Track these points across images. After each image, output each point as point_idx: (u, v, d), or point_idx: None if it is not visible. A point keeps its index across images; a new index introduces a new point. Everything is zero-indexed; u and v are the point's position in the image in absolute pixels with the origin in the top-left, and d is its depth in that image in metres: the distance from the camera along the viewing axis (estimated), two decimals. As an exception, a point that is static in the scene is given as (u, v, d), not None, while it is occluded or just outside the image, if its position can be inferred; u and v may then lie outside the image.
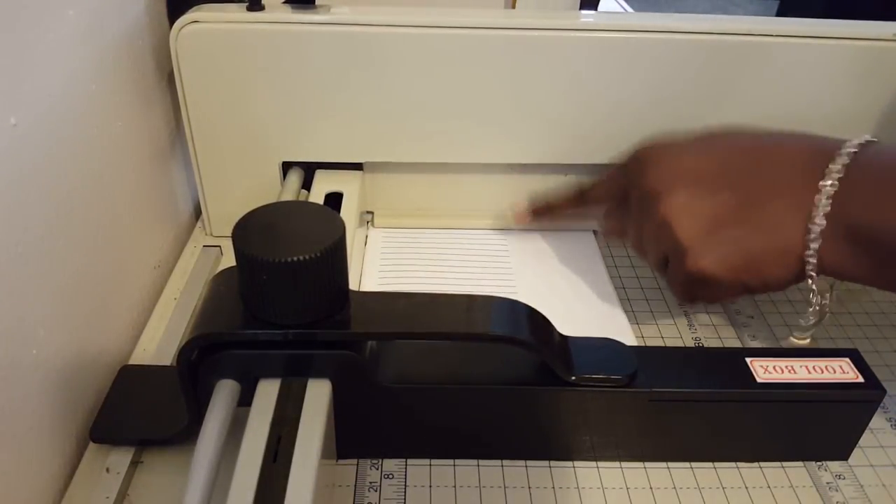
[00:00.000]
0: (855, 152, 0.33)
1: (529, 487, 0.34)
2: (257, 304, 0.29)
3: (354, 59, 0.44)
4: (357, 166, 0.49)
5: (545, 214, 0.48)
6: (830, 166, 0.32)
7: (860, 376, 0.34)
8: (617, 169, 0.41)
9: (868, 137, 0.33)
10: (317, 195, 0.47)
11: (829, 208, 0.32)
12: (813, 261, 0.33)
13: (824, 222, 0.32)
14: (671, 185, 0.36)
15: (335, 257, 0.29)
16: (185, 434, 0.32)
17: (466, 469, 0.35)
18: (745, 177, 0.35)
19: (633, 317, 0.45)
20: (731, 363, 0.35)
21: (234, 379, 0.31)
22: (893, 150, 0.33)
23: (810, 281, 0.34)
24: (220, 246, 0.49)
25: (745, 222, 0.34)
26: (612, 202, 0.42)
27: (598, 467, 0.35)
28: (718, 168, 0.36)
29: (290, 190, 0.47)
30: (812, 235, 0.33)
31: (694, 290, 0.37)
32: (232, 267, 0.30)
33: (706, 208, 0.35)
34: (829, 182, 0.32)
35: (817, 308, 0.36)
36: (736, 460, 0.36)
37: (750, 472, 0.35)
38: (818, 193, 0.32)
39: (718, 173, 0.35)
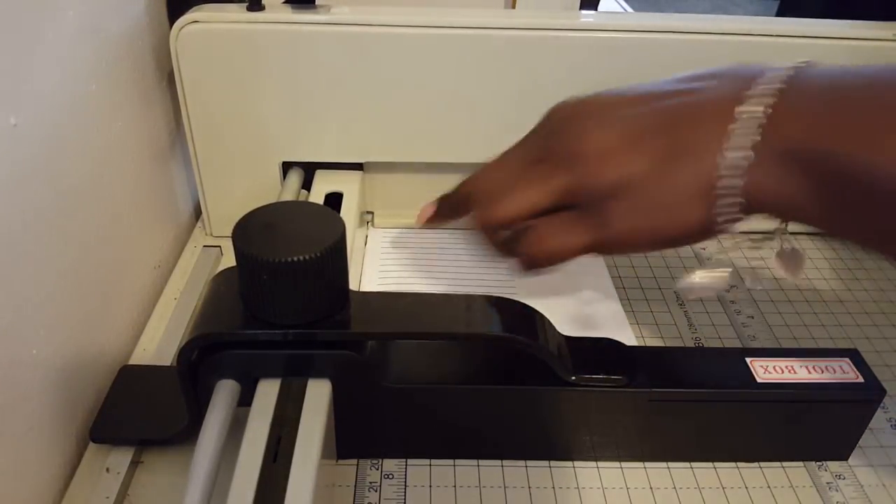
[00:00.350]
0: (791, 74, 0.29)
1: (529, 487, 0.34)
2: (257, 304, 0.29)
3: (354, 59, 0.44)
4: (357, 166, 0.49)
5: (448, 213, 0.39)
6: (752, 90, 0.29)
7: (860, 376, 0.34)
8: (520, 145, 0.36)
9: (807, 61, 0.30)
10: (317, 195, 0.47)
11: (751, 135, 0.28)
12: (725, 190, 0.29)
13: (741, 151, 0.28)
14: (584, 124, 0.32)
15: (335, 257, 0.29)
16: (185, 434, 0.32)
17: (466, 469, 0.35)
18: (665, 114, 0.31)
19: (633, 317, 0.45)
20: (731, 363, 0.35)
21: (234, 379, 0.31)
22: (836, 68, 0.29)
23: (722, 191, 0.29)
24: (220, 246, 0.49)
25: (663, 153, 0.30)
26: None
27: (598, 467, 0.35)
28: (637, 110, 0.32)
29: (290, 190, 0.47)
30: (727, 162, 0.29)
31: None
32: (232, 267, 0.30)
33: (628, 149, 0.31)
34: (752, 107, 0.28)
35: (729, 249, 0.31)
36: (736, 460, 0.36)
37: (750, 472, 0.35)
38: (735, 120, 0.29)
39: (637, 114, 0.32)
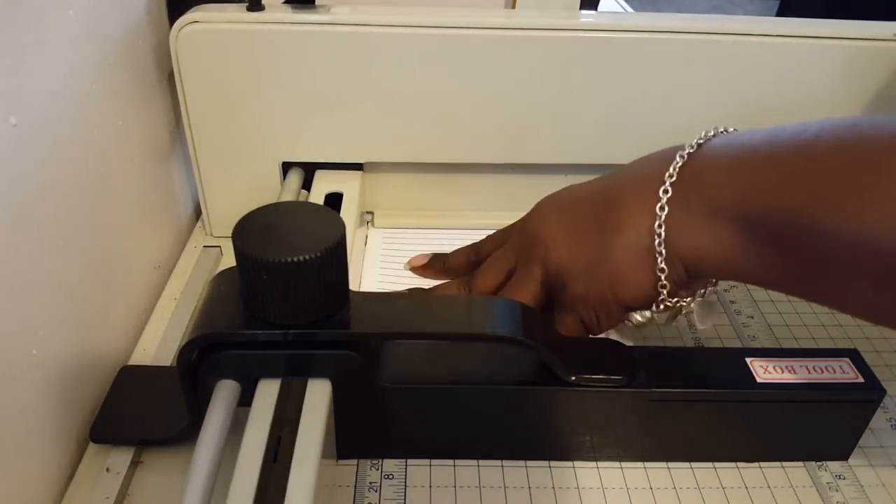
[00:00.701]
0: (701, 141, 0.33)
1: (529, 487, 0.34)
2: (257, 304, 0.29)
3: (354, 60, 0.44)
4: (357, 166, 0.49)
5: (441, 273, 0.45)
6: (672, 162, 0.33)
7: (860, 376, 0.34)
8: (505, 228, 0.42)
9: (722, 128, 0.34)
10: (317, 195, 0.47)
11: (669, 198, 0.32)
12: (661, 249, 0.32)
13: (664, 214, 0.32)
14: (545, 216, 0.37)
15: (335, 257, 0.29)
16: (185, 434, 0.32)
17: (466, 469, 0.35)
18: (604, 196, 0.35)
19: (633, 317, 0.44)
20: (731, 363, 0.35)
21: (234, 379, 0.31)
22: (742, 133, 0.33)
23: (659, 259, 0.32)
24: (220, 246, 0.49)
25: (602, 231, 0.34)
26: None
27: (598, 467, 0.35)
28: (583, 196, 0.37)
29: (290, 190, 0.47)
30: (655, 227, 0.32)
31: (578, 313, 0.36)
32: (232, 267, 0.30)
33: (573, 226, 0.36)
34: (668, 176, 0.32)
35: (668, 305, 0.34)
36: (736, 460, 0.36)
37: (750, 472, 0.35)
38: (658, 190, 0.32)
39: (583, 200, 0.36)
